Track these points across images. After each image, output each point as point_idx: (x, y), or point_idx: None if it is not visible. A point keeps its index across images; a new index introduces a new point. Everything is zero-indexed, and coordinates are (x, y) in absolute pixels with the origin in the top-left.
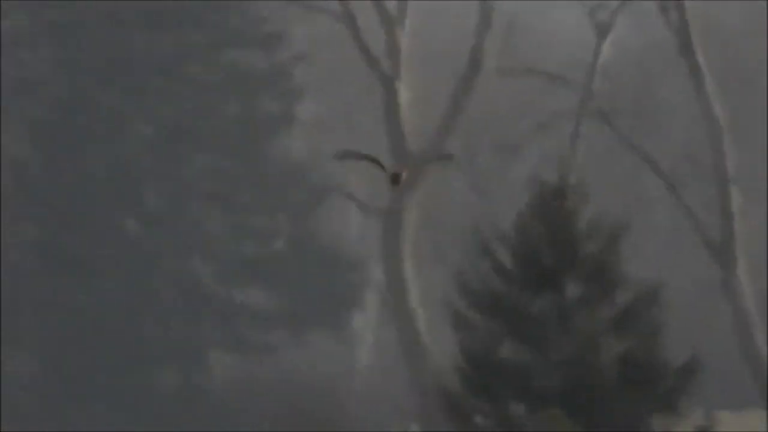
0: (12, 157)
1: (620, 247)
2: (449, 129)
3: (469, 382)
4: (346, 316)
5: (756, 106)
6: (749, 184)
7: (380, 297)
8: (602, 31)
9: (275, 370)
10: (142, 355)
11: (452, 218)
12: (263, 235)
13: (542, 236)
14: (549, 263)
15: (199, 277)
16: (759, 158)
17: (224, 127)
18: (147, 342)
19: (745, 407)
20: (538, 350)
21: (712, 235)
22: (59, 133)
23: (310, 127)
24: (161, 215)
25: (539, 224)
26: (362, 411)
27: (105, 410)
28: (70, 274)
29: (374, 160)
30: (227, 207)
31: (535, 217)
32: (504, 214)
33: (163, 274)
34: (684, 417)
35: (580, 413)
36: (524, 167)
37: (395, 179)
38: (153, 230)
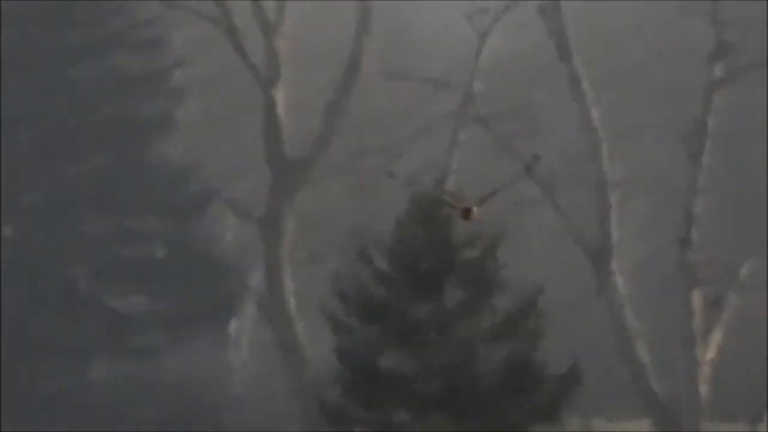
0: None
1: (499, 253)
2: (329, 133)
3: (348, 389)
4: (225, 321)
5: (634, 110)
6: (627, 188)
7: (258, 302)
8: (482, 35)
9: (155, 373)
10: (22, 357)
11: (332, 223)
12: (143, 239)
13: (421, 242)
14: (428, 269)
15: (79, 280)
16: (637, 163)
17: (105, 130)
18: (28, 344)
19: (625, 416)
20: (418, 356)
21: (589, 239)
22: None
23: (190, 131)
24: (41, 218)
25: (418, 229)
26: (242, 413)
27: None
28: None
29: (447, 202)
30: (107, 210)
31: (414, 222)
32: (384, 219)
33: (43, 276)
34: (563, 425)
35: (461, 420)
36: (405, 172)
37: (466, 214)
38: (33, 233)
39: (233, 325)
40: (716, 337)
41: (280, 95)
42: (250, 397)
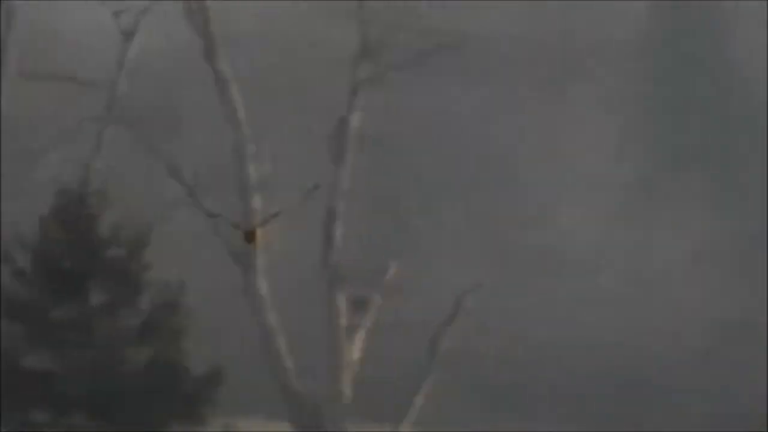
0: None
1: (144, 253)
2: None
3: None
4: None
5: (279, 110)
6: (272, 188)
7: None
8: (128, 34)
9: None
10: None
11: None
12: None
13: (64, 242)
14: (71, 268)
15: None
16: (281, 163)
17: None
18: None
19: (269, 415)
20: (60, 357)
21: (234, 239)
22: None
23: None
24: None
25: (60, 230)
26: None
27: None
28: None
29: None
30: None
31: (57, 222)
32: (27, 219)
33: None
34: (205, 424)
35: (103, 420)
36: (48, 173)
37: (249, 237)
38: None
39: None
40: (360, 337)
41: None
42: None
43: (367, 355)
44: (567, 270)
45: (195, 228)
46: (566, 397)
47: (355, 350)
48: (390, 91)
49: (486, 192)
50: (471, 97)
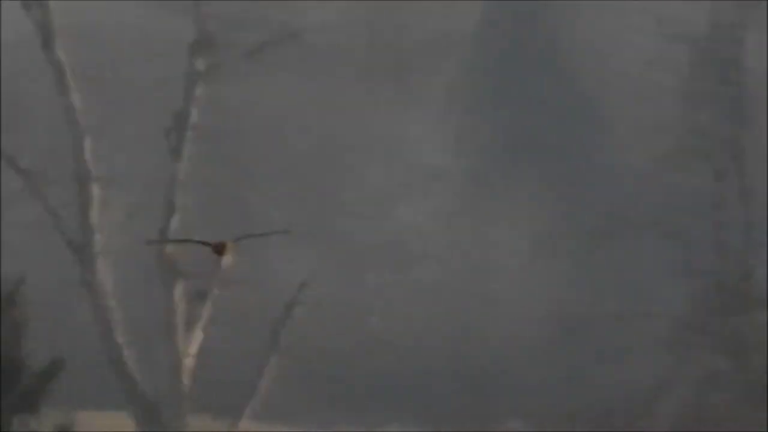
0: None
1: None
2: None
3: None
4: None
5: (117, 103)
6: (109, 180)
7: None
8: None
9: None
10: None
11: None
12: None
13: None
14: None
15: None
16: (119, 156)
17: None
18: None
19: (107, 406)
20: None
21: (73, 232)
22: None
23: None
24: None
25: None
26: None
27: None
28: None
29: (198, 242)
30: None
31: None
32: None
33: None
34: (44, 417)
35: None
36: None
37: (219, 250)
38: None
39: None
40: (199, 330)
41: None
42: None
43: (205, 348)
44: (405, 263)
45: (33, 219)
46: (405, 392)
47: (193, 344)
48: (227, 83)
49: (324, 184)
50: (308, 90)
